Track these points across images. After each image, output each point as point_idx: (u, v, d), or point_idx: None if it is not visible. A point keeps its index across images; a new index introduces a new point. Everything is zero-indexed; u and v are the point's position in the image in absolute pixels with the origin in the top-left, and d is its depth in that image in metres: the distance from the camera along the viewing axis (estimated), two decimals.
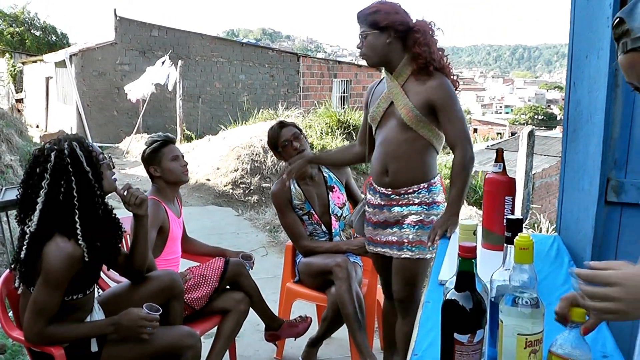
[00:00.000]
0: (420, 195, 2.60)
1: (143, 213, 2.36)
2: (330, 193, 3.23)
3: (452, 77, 2.61)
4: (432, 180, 2.62)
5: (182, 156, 3.03)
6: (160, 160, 2.93)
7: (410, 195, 2.62)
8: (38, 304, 2.09)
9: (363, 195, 2.94)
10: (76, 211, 2.09)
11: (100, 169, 2.18)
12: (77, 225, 2.08)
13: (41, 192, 2.09)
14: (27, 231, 2.10)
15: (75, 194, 2.09)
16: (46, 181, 2.09)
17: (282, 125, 3.19)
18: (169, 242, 2.93)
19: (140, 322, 2.20)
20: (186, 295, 2.76)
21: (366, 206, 2.82)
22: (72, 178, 2.10)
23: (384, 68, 2.67)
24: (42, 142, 2.37)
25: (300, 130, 3.21)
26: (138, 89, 14.91)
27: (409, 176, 2.62)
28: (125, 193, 2.30)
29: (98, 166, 2.17)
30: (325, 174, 3.25)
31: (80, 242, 2.08)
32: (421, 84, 2.56)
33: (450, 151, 2.60)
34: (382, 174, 2.67)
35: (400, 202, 2.63)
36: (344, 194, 3.28)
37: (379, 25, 2.54)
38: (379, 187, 2.71)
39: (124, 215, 3.29)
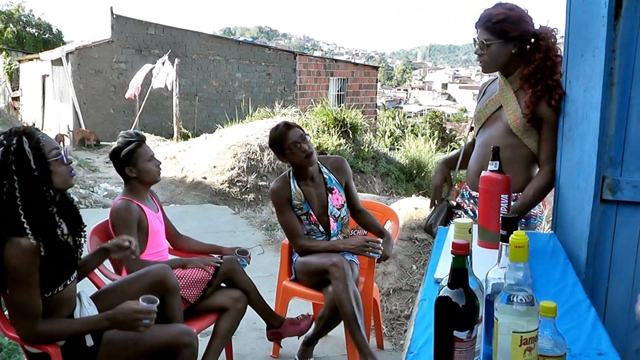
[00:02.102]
0: None
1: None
2: (330, 194, 3.22)
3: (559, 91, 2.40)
4: None
5: (154, 155, 3.02)
6: (137, 161, 2.91)
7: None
8: (17, 305, 2.08)
9: (445, 199, 2.83)
10: (20, 211, 2.04)
11: (50, 167, 2.11)
12: (25, 225, 2.03)
13: None
14: None
15: (17, 194, 2.04)
16: None
17: (288, 126, 3.12)
18: (150, 236, 2.94)
19: (135, 315, 2.16)
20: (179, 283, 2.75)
21: (458, 210, 2.73)
22: (15, 177, 2.04)
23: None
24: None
25: (304, 131, 3.17)
26: (130, 86, 14.94)
27: None
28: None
29: (47, 164, 2.11)
30: (325, 176, 3.24)
31: (31, 239, 2.03)
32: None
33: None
34: (479, 177, 2.59)
35: None
36: (343, 195, 3.27)
37: (507, 36, 2.40)
38: (473, 192, 2.62)
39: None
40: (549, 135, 2.42)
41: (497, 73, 2.60)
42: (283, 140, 3.09)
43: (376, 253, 3.01)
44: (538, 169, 2.50)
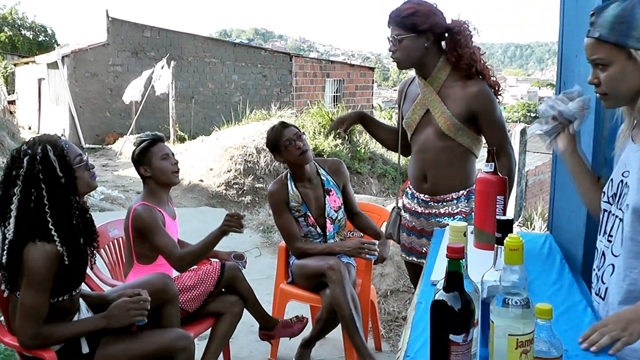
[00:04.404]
0: (460, 204, 2.57)
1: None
2: (327, 196, 3.22)
3: (492, 78, 2.50)
4: (472, 187, 2.54)
5: (173, 155, 2.97)
6: (151, 159, 2.87)
7: (449, 203, 2.59)
8: (26, 306, 2.08)
9: (395, 203, 2.92)
10: (48, 219, 2.07)
11: (75, 173, 2.15)
12: (53, 232, 2.07)
13: (14, 198, 2.07)
14: (7, 236, 2.10)
15: (46, 202, 2.07)
16: (18, 188, 2.07)
17: (284, 125, 3.15)
18: None
19: (128, 306, 2.19)
20: (180, 298, 2.74)
21: (402, 212, 2.81)
22: (43, 185, 2.08)
23: (414, 70, 2.58)
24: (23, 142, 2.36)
25: (301, 131, 3.19)
26: (131, 92, 14.95)
27: (448, 184, 2.57)
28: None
29: (72, 170, 2.15)
30: (322, 177, 3.24)
31: (58, 246, 2.07)
32: (459, 90, 2.47)
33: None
34: (421, 180, 2.66)
35: (439, 212, 2.61)
36: (340, 197, 3.27)
37: (418, 29, 2.43)
38: (417, 193, 2.70)
39: (116, 218, 3.28)
40: (488, 126, 2.49)
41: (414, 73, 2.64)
42: (278, 139, 3.11)
43: (372, 255, 3.01)
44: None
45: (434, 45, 2.48)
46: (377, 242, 3.08)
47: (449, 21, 2.51)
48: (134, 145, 2.96)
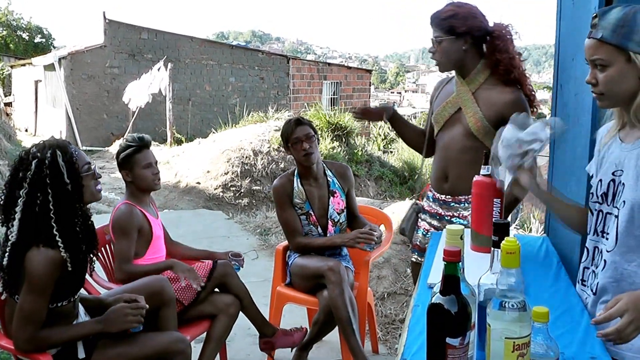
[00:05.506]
0: None
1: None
2: (332, 197, 3.23)
3: (528, 86, 2.50)
4: None
5: (156, 163, 3.01)
6: (133, 166, 2.92)
7: (470, 205, 2.58)
8: (25, 311, 2.07)
9: (414, 201, 2.92)
10: (53, 224, 2.07)
11: (82, 181, 2.15)
12: (57, 238, 2.07)
13: (19, 201, 2.07)
14: (10, 238, 2.09)
15: (51, 207, 2.07)
16: (24, 190, 2.06)
17: (298, 122, 3.18)
18: (152, 242, 2.95)
19: (125, 311, 2.19)
20: (173, 286, 2.74)
21: (421, 213, 2.80)
22: (49, 190, 2.07)
23: (454, 70, 2.59)
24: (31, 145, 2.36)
25: (315, 131, 3.21)
26: (138, 98, 14.95)
27: (469, 184, 2.54)
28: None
29: (80, 178, 2.14)
30: (329, 178, 3.26)
31: (62, 252, 2.07)
32: (495, 95, 2.47)
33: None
34: (442, 179, 2.64)
35: (462, 215, 2.59)
36: (344, 200, 3.28)
37: (456, 31, 2.44)
38: (437, 194, 2.68)
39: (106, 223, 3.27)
40: None
41: (453, 72, 2.64)
42: (289, 134, 3.16)
43: (369, 246, 2.99)
44: None
45: (473, 48, 2.49)
46: (374, 232, 3.05)
47: (490, 24, 2.50)
48: (119, 147, 3.00)
